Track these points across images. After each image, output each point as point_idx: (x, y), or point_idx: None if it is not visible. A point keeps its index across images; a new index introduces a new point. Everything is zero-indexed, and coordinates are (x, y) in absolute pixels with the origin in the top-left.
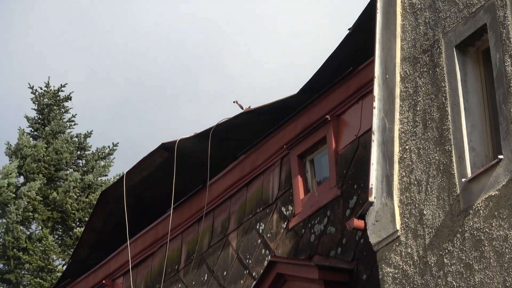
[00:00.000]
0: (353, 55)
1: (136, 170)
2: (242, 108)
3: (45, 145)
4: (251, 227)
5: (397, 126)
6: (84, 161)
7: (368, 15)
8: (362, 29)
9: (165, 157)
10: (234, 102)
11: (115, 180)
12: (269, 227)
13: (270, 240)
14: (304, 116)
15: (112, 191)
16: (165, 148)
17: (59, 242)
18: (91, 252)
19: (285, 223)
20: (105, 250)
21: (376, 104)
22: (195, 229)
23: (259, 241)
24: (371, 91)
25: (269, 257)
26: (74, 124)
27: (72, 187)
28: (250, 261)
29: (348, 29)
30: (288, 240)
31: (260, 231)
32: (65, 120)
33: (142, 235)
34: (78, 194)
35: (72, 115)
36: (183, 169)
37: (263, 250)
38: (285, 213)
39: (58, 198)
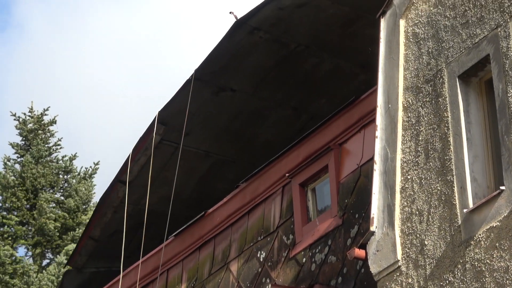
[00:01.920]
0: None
1: (133, 158)
2: (236, 18)
3: (29, 170)
4: (252, 255)
5: (399, 156)
6: (67, 184)
7: None
8: None
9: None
10: (230, 13)
11: (112, 185)
12: (270, 256)
13: (271, 269)
14: (306, 145)
15: (109, 195)
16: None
17: (49, 263)
18: (88, 260)
19: (286, 252)
20: (103, 258)
21: (378, 133)
22: (195, 256)
23: (260, 269)
24: (374, 120)
25: (270, 285)
26: (60, 148)
27: (53, 213)
28: None
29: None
30: (289, 269)
31: (261, 260)
32: (50, 144)
33: (143, 261)
34: (60, 217)
35: (58, 138)
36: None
37: (264, 279)
38: (286, 241)
39: (39, 222)
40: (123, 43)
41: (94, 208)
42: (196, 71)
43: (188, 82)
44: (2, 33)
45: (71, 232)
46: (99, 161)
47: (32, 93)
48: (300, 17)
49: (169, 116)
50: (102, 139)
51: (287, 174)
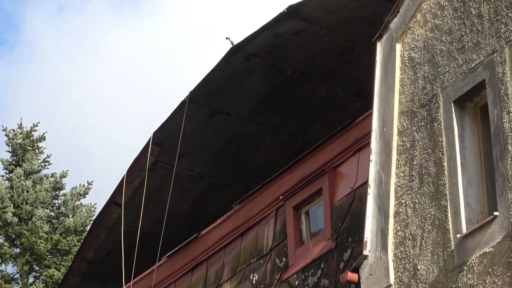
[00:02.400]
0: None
1: (127, 180)
2: (233, 44)
3: (20, 186)
4: (244, 278)
5: (393, 180)
6: (60, 201)
7: None
8: None
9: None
10: (226, 38)
11: (106, 207)
12: (263, 278)
13: None
14: (301, 168)
15: (104, 217)
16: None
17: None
18: (81, 281)
19: (279, 274)
20: (96, 280)
21: (372, 157)
22: (188, 278)
23: None
24: (368, 144)
25: None
26: (49, 165)
27: (41, 226)
28: None
29: None
30: None
31: (254, 282)
32: (39, 160)
33: (135, 283)
34: (50, 235)
35: (47, 155)
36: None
37: None
38: (279, 264)
39: (29, 240)
40: (124, 64)
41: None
42: (191, 93)
43: (183, 103)
44: (11, 52)
45: (64, 257)
46: (92, 181)
47: (36, 111)
48: (296, 44)
49: (164, 137)
50: (97, 158)
51: (281, 197)
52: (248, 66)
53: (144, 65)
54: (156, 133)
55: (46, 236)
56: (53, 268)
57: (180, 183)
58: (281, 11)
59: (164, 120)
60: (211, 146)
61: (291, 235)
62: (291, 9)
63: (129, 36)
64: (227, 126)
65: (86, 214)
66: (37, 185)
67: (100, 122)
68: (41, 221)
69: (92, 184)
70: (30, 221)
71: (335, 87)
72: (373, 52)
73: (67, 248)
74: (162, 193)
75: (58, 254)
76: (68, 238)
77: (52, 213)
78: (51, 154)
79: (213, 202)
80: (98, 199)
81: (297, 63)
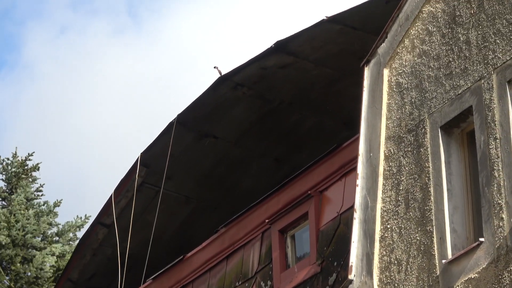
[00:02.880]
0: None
1: (115, 199)
2: (220, 73)
3: (14, 215)
4: None
5: (379, 205)
6: (54, 231)
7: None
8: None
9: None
10: (214, 67)
11: (92, 227)
12: None
13: None
14: (287, 191)
15: (90, 237)
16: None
17: None
18: None
19: None
20: None
21: (359, 181)
22: None
23: None
24: (355, 168)
25: None
26: (42, 195)
27: (45, 256)
28: None
29: (325, 17)
30: None
31: None
32: (33, 189)
33: None
34: (49, 267)
35: (40, 184)
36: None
37: None
38: (264, 287)
39: (32, 268)
40: (124, 86)
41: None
42: (179, 115)
43: (170, 125)
44: (11, 74)
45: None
46: (90, 216)
47: (33, 134)
48: (283, 76)
49: (151, 158)
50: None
51: (267, 220)
52: (235, 95)
53: (143, 88)
54: (143, 154)
55: (49, 268)
56: None
57: (167, 205)
58: (269, 46)
59: (151, 142)
60: (198, 169)
61: (276, 259)
62: (279, 44)
63: (129, 59)
64: (214, 150)
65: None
66: (29, 211)
67: (98, 148)
68: (43, 258)
69: (89, 218)
70: (35, 266)
71: (322, 117)
72: (360, 83)
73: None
74: (149, 215)
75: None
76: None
77: (54, 249)
78: (44, 184)
79: (199, 225)
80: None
81: (284, 93)
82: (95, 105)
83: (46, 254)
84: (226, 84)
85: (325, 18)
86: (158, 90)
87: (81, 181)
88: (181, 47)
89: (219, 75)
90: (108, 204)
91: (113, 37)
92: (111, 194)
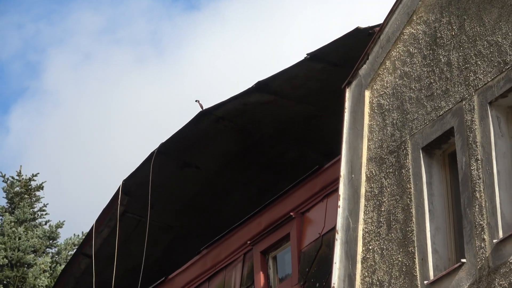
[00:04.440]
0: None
1: (96, 230)
2: (202, 107)
3: (12, 233)
4: None
5: (361, 226)
6: (54, 250)
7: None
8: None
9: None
10: (196, 101)
11: (75, 257)
12: None
13: None
14: (269, 213)
15: (73, 266)
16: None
17: None
18: None
19: None
20: None
21: (340, 203)
22: None
23: None
24: (337, 189)
25: None
26: (46, 214)
27: (41, 272)
28: None
29: (307, 54)
30: None
31: None
32: (36, 209)
33: None
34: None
35: (44, 204)
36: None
37: None
38: None
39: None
40: (139, 114)
41: None
42: (162, 145)
43: (152, 154)
44: (33, 100)
45: None
46: (87, 232)
47: (52, 159)
48: (264, 111)
49: (133, 187)
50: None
51: (248, 242)
52: (217, 128)
53: (165, 115)
54: (125, 182)
55: (45, 280)
56: None
57: (149, 234)
58: (250, 86)
59: (133, 170)
60: (180, 197)
61: (258, 280)
62: (259, 84)
63: (151, 88)
64: (196, 179)
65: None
66: (29, 232)
67: (119, 176)
68: (39, 265)
69: (85, 235)
70: (33, 267)
71: (304, 149)
72: (341, 119)
73: None
74: (131, 244)
75: None
76: None
77: (49, 260)
78: (47, 203)
79: (181, 253)
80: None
81: (266, 127)
82: (116, 132)
83: (37, 272)
84: (207, 118)
85: (306, 56)
86: (178, 117)
87: (101, 207)
88: (209, 71)
89: (201, 109)
90: (90, 234)
91: (136, 65)
92: (93, 224)
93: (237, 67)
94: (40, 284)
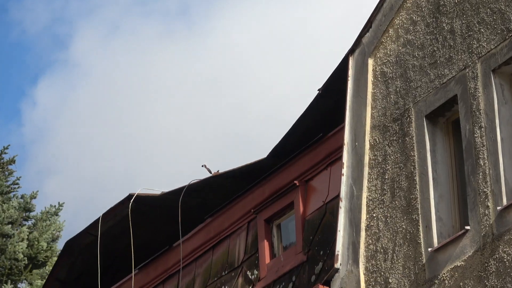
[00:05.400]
0: (322, 117)
1: (103, 220)
2: (210, 172)
3: None
4: None
5: (365, 194)
6: (31, 222)
7: (338, 76)
8: (332, 91)
9: (132, 208)
10: (202, 166)
11: (82, 230)
12: None
13: None
14: (273, 181)
15: (77, 240)
16: (133, 199)
17: None
18: None
19: (250, 287)
20: None
21: (344, 171)
22: None
23: None
24: (340, 157)
25: None
26: (18, 187)
27: (18, 242)
28: None
29: (318, 90)
30: None
31: None
32: (9, 183)
33: None
34: (28, 256)
35: (17, 177)
36: (150, 224)
37: None
38: (250, 277)
39: (7, 254)
40: (170, 87)
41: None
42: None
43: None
44: (61, 72)
45: (40, 269)
46: (63, 202)
47: (85, 133)
48: None
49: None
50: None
51: (252, 210)
52: None
53: (195, 88)
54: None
55: (22, 257)
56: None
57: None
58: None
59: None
60: None
61: (262, 248)
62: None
63: (180, 61)
64: None
65: (58, 232)
66: (5, 204)
67: (150, 148)
68: (15, 243)
69: (62, 206)
70: (11, 238)
71: None
72: (345, 62)
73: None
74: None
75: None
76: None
77: (26, 232)
78: (20, 176)
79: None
80: (70, 221)
81: None
82: (146, 104)
83: (16, 241)
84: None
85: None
86: (209, 90)
87: (132, 184)
88: (231, 47)
89: (209, 174)
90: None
91: (164, 39)
92: (99, 217)
93: (268, 41)
94: (18, 251)
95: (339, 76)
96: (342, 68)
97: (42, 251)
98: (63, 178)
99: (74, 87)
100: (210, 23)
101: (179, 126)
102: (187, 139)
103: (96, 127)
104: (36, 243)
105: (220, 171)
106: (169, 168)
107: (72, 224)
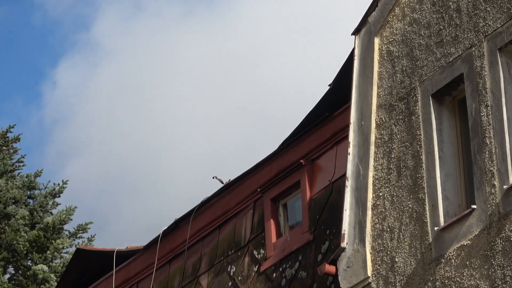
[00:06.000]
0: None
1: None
2: (222, 182)
3: None
4: (222, 269)
5: (371, 173)
6: (34, 200)
7: (349, 70)
8: (343, 85)
9: None
10: (213, 177)
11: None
12: (240, 270)
13: (241, 283)
14: (279, 160)
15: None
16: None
17: (13, 282)
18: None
19: (257, 267)
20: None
21: (351, 150)
22: (165, 269)
23: (230, 283)
24: (347, 137)
25: None
26: (23, 165)
27: (21, 225)
28: None
29: (329, 85)
30: (259, 284)
31: (231, 274)
32: (14, 161)
33: (110, 276)
34: (27, 232)
35: (21, 155)
36: None
37: None
38: (256, 256)
39: (7, 236)
40: (191, 69)
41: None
42: None
43: None
44: (83, 53)
45: (43, 254)
46: (67, 180)
47: (108, 113)
48: None
49: None
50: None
51: (259, 189)
52: None
53: (215, 70)
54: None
55: (25, 234)
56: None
57: None
58: None
59: None
60: None
61: (269, 228)
62: None
63: (201, 42)
64: None
65: (65, 212)
66: (9, 182)
67: (171, 127)
68: (18, 219)
69: (66, 184)
70: (13, 218)
71: None
72: (352, 41)
73: (45, 243)
74: None
75: (36, 250)
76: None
77: (27, 212)
78: (25, 154)
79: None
80: (73, 200)
81: None
82: (168, 84)
83: (17, 220)
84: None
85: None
86: (230, 72)
87: (155, 164)
88: (253, 31)
89: (221, 184)
90: None
91: (187, 18)
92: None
93: (289, 23)
94: (21, 235)
95: (349, 70)
96: (351, 62)
97: (43, 230)
98: (85, 159)
99: (96, 68)
100: (232, 3)
101: (202, 106)
102: (209, 119)
103: (117, 108)
104: (38, 221)
105: (231, 180)
106: (192, 148)
107: (96, 204)
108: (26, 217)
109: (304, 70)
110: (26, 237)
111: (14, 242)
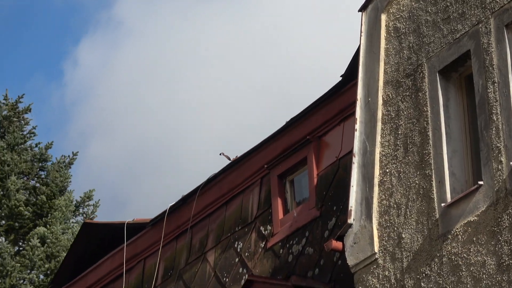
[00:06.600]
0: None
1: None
2: (229, 159)
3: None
4: (229, 245)
5: (378, 149)
6: (45, 172)
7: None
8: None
9: None
10: (220, 154)
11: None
12: (247, 246)
13: (248, 259)
14: (286, 137)
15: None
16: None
17: (16, 249)
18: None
19: (263, 243)
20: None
21: (357, 126)
22: (173, 246)
23: (237, 259)
24: (353, 113)
25: (246, 276)
26: (34, 136)
27: (26, 198)
28: (227, 279)
29: (341, 76)
30: (266, 260)
31: (238, 250)
32: (25, 132)
33: (118, 251)
34: (33, 203)
35: (33, 126)
36: None
37: (241, 269)
38: (263, 232)
39: (9, 205)
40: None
41: (67, 195)
42: None
43: None
44: (104, 32)
45: (44, 218)
46: (78, 152)
47: (128, 93)
48: None
49: None
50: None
51: (265, 166)
52: None
53: (232, 51)
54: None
55: (24, 200)
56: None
57: None
58: None
59: None
60: None
61: (275, 204)
62: None
63: (218, 24)
64: None
65: (62, 180)
66: (20, 155)
67: (191, 107)
68: (16, 186)
69: (77, 155)
70: (8, 188)
71: None
72: (358, 18)
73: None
74: None
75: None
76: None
77: (37, 184)
78: (36, 126)
79: None
80: (85, 172)
81: None
82: (192, 64)
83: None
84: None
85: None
86: (243, 55)
87: (177, 143)
88: (271, 14)
89: (228, 160)
90: None
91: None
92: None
93: (308, 6)
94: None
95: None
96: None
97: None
98: (106, 139)
99: (118, 47)
100: None
101: (226, 86)
102: (231, 98)
103: (139, 87)
104: (45, 192)
105: (238, 156)
106: (214, 127)
107: (118, 181)
108: (32, 187)
109: (328, 47)
110: (25, 202)
111: (14, 209)
